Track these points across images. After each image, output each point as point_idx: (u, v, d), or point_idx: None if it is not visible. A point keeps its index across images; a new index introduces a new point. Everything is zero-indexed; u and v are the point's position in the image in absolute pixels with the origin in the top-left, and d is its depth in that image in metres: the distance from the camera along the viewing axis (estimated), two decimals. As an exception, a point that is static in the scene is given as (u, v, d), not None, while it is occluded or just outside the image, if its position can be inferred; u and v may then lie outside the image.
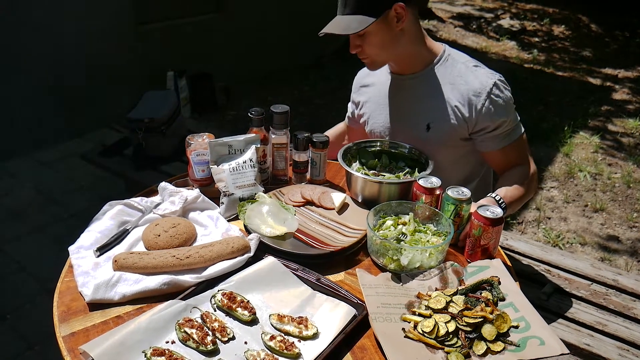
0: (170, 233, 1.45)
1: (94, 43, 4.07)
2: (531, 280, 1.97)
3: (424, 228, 1.49)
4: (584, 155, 4.35)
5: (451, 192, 1.49)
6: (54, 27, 3.84)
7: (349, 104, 2.07)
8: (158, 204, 1.62)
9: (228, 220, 1.58)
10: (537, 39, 7.63)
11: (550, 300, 1.87)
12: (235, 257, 1.37)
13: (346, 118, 2.13)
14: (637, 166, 4.23)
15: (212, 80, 4.93)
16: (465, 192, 1.49)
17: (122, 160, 2.97)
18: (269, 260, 1.36)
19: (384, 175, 1.66)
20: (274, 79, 5.54)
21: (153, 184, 1.72)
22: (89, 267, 1.35)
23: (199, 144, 1.65)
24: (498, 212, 1.41)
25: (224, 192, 1.60)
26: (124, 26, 4.33)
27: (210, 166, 1.63)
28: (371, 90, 1.93)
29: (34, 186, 3.56)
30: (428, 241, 1.43)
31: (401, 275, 1.35)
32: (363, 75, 2.00)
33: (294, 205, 1.61)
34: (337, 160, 1.69)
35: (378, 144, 1.79)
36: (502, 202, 1.60)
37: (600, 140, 4.58)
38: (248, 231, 1.49)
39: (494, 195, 1.63)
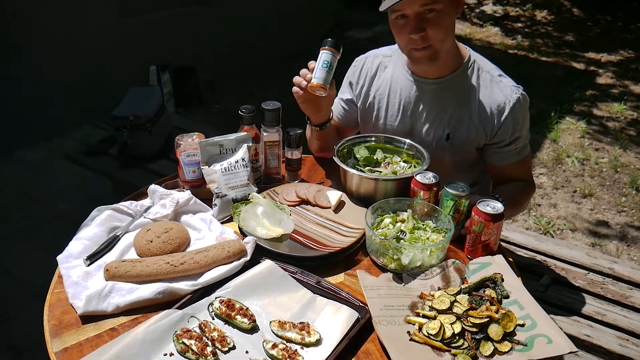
0: (163, 238, 1.40)
1: (74, 37, 3.96)
2: (528, 272, 1.96)
3: (423, 225, 1.46)
4: (571, 141, 4.36)
5: (450, 188, 1.46)
6: (34, 22, 3.72)
7: (343, 95, 1.91)
8: (148, 208, 1.57)
9: (222, 223, 1.53)
10: (520, 25, 7.63)
11: (548, 292, 1.86)
12: (232, 262, 1.33)
13: (335, 116, 1.93)
14: (624, 150, 4.25)
15: (196, 74, 4.84)
16: (464, 188, 1.46)
17: (108, 159, 2.89)
18: (267, 264, 1.33)
19: (380, 172, 1.63)
20: (259, 70, 5.45)
21: (140, 183, 1.67)
22: (79, 277, 1.30)
23: (189, 144, 1.60)
24: (498, 207, 1.38)
25: (216, 193, 1.55)
26: (104, 20, 4.22)
27: (202, 167, 1.58)
28: (388, 86, 1.79)
29: (16, 188, 3.46)
30: (428, 238, 1.41)
31: (402, 275, 1.33)
32: (373, 64, 1.82)
33: (289, 205, 1.57)
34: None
35: (373, 138, 1.76)
36: (500, 200, 1.58)
37: (586, 125, 4.60)
38: (243, 233, 1.45)
39: (494, 195, 1.61)
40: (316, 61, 1.55)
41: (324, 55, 1.54)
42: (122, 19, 4.36)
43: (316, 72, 1.54)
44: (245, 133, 1.63)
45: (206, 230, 1.49)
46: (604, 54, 6.49)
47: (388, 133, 1.79)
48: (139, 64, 4.41)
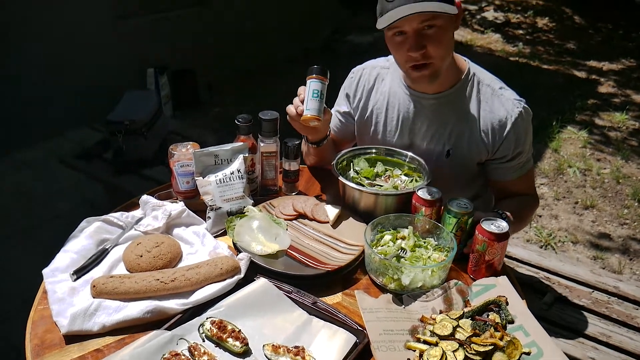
0: (154, 253, 1.34)
1: (72, 38, 3.90)
2: (531, 289, 1.91)
3: (425, 242, 1.41)
4: (573, 151, 4.32)
5: (452, 205, 1.41)
6: (32, 22, 3.67)
7: (340, 107, 1.85)
8: (140, 219, 1.51)
9: (215, 236, 1.48)
10: (521, 32, 7.60)
11: (552, 310, 1.81)
12: (225, 280, 1.27)
13: (332, 128, 1.85)
14: (626, 161, 4.21)
15: (195, 76, 4.79)
16: (467, 205, 1.41)
17: (103, 163, 2.83)
18: (261, 282, 1.27)
19: (381, 186, 1.57)
20: (259, 73, 5.40)
21: (134, 189, 1.62)
22: (65, 293, 1.24)
23: (183, 154, 1.55)
24: (503, 226, 1.33)
25: (210, 206, 1.50)
26: (102, 21, 4.16)
27: (196, 178, 1.53)
28: (385, 100, 1.72)
29: (16, 188, 3.40)
30: (429, 257, 1.35)
31: (403, 296, 1.27)
32: (370, 75, 1.75)
33: (285, 219, 1.52)
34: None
35: (373, 150, 1.70)
36: (505, 219, 1.53)
37: (588, 134, 4.55)
38: (237, 249, 1.39)
39: (498, 210, 1.56)
40: (305, 90, 1.49)
41: (313, 84, 1.48)
42: (121, 20, 4.31)
43: (307, 103, 1.48)
44: (241, 143, 1.57)
45: (199, 245, 1.43)
46: (605, 63, 6.46)
47: (387, 145, 1.73)
48: (137, 66, 4.36)
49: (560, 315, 1.79)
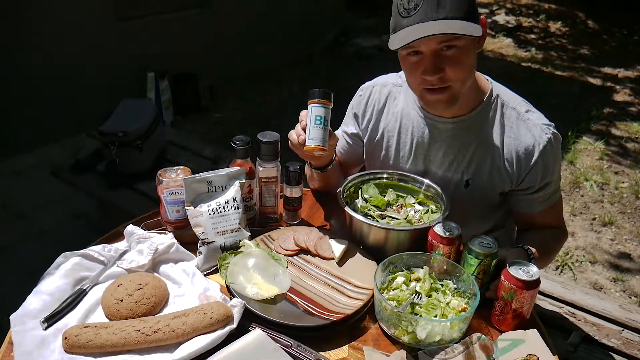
0: (136, 297, 1.19)
1: (70, 40, 3.77)
2: (554, 327, 1.74)
3: (442, 286, 1.24)
4: (589, 163, 4.14)
5: (474, 244, 1.24)
6: (27, 23, 3.53)
7: (347, 127, 1.67)
8: (124, 253, 1.36)
9: (208, 274, 1.32)
10: (533, 36, 7.41)
11: (578, 352, 1.64)
12: (215, 331, 1.11)
13: (338, 150, 1.68)
14: (645, 174, 4.03)
15: (196, 80, 4.64)
16: (491, 244, 1.25)
17: (95, 176, 2.69)
18: (256, 334, 1.11)
19: (392, 218, 1.41)
20: (261, 77, 5.25)
21: (127, 205, 1.47)
22: (33, 345, 1.09)
23: (172, 181, 1.39)
24: (534, 272, 1.16)
25: (202, 239, 1.34)
26: (102, 22, 4.03)
27: (186, 207, 1.37)
28: (397, 122, 1.55)
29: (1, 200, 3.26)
30: (448, 304, 1.19)
31: (418, 353, 1.11)
32: (381, 94, 1.58)
33: (285, 255, 1.36)
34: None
35: (385, 175, 1.54)
36: (532, 257, 1.37)
37: (604, 146, 4.37)
38: (230, 291, 1.23)
39: (523, 246, 1.39)
40: (307, 115, 1.33)
41: (315, 109, 1.31)
42: (120, 22, 4.17)
43: (310, 132, 1.31)
44: (237, 168, 1.42)
45: (188, 285, 1.27)
46: (620, 69, 6.26)
47: (400, 170, 1.57)
48: (137, 70, 4.22)
49: (588, 359, 1.63)
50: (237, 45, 5.08)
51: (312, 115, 1.31)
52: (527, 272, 1.16)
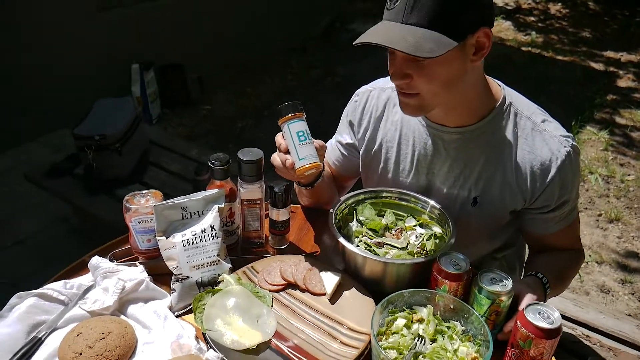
0: (97, 349, 1.03)
1: (49, 32, 3.55)
2: (567, 351, 1.60)
3: (449, 328, 1.09)
4: (594, 154, 3.98)
5: (485, 281, 1.09)
6: (6, 15, 3.32)
7: (341, 137, 1.51)
8: (88, 289, 1.20)
9: (183, 313, 1.17)
10: (533, 19, 7.18)
11: (595, 381, 1.51)
12: (187, 391, 0.96)
13: (332, 162, 1.55)
14: (651, 166, 3.88)
15: (184, 72, 4.44)
16: (505, 281, 1.10)
17: (72, 181, 2.51)
18: (235, 395, 0.96)
19: (391, 246, 1.25)
20: (252, 67, 5.04)
21: (106, 215, 1.32)
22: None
23: (142, 207, 1.22)
24: (555, 317, 1.01)
25: (175, 275, 1.18)
26: (83, 12, 3.81)
27: (157, 238, 1.21)
28: (397, 132, 1.40)
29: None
30: (456, 352, 1.04)
31: (423, 416, 0.96)
32: (379, 100, 1.43)
33: (271, 290, 1.20)
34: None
35: (384, 194, 1.37)
36: (547, 287, 1.22)
37: (609, 135, 4.21)
38: (206, 339, 1.08)
39: (538, 274, 1.24)
40: (286, 137, 1.19)
41: (293, 126, 1.18)
42: (102, 12, 3.95)
43: (296, 152, 1.17)
44: (215, 191, 1.25)
45: (159, 329, 1.12)
46: (623, 53, 6.07)
47: (400, 187, 1.41)
48: (120, 62, 4.01)
49: (605, 388, 1.49)
50: (227, 34, 4.86)
51: (292, 133, 1.17)
52: (547, 317, 1.01)
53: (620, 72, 5.57)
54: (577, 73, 5.51)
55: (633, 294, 2.77)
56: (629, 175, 3.77)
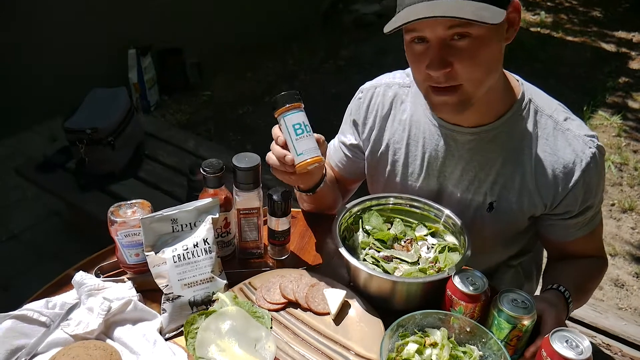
0: (79, 380, 0.94)
1: (39, 16, 3.42)
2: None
3: (464, 354, 1.00)
4: (606, 140, 3.85)
5: (506, 304, 0.99)
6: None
7: (345, 137, 1.40)
8: (71, 308, 1.11)
9: (173, 336, 1.08)
10: (542, -3, 6.98)
11: (616, 396, 1.42)
12: None
13: (335, 164, 1.45)
14: (665, 152, 3.75)
15: (183, 56, 4.30)
16: (527, 303, 1.00)
17: (65, 175, 2.41)
18: None
19: (400, 262, 1.14)
20: (252, 51, 4.89)
21: (100, 212, 1.21)
22: None
23: (128, 220, 1.12)
24: (584, 346, 0.91)
25: (166, 294, 1.08)
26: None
27: (146, 254, 1.11)
28: (406, 132, 1.28)
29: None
30: (473, 381, 0.95)
31: None
32: (385, 97, 1.30)
33: (270, 309, 1.11)
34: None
35: (391, 200, 1.27)
36: (570, 301, 1.13)
37: (622, 120, 4.07)
38: (200, 366, 0.98)
39: (560, 287, 1.14)
40: (283, 130, 1.09)
41: (290, 118, 1.07)
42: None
43: (295, 146, 1.07)
44: (209, 200, 1.15)
45: (148, 355, 1.02)
46: (635, 33, 5.88)
47: (409, 191, 1.30)
48: (116, 47, 3.87)
49: (627, 403, 1.40)
50: (226, 17, 4.70)
51: (289, 126, 1.07)
52: (575, 346, 0.91)
53: (633, 53, 5.39)
54: (588, 54, 5.34)
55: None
56: (642, 162, 3.64)
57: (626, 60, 5.24)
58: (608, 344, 1.55)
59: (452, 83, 1.05)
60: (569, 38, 5.73)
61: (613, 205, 3.25)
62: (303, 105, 1.10)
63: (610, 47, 5.53)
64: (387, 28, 1.03)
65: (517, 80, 1.21)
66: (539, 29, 5.90)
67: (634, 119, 4.14)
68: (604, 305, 1.70)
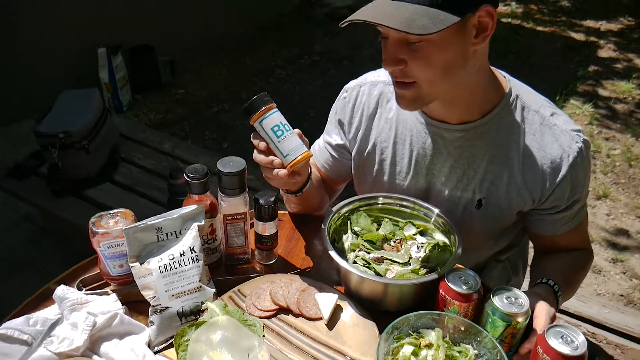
0: (66, 402, 0.90)
1: (8, 14, 3.30)
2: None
3: (460, 353, 0.99)
4: (579, 129, 3.92)
5: (499, 301, 0.99)
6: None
7: (330, 137, 1.38)
8: (53, 324, 1.06)
9: (162, 349, 1.04)
10: (511, -13, 7.05)
11: (604, 384, 1.44)
12: None
13: (321, 164, 1.42)
14: (636, 139, 3.83)
15: (155, 54, 4.21)
16: (521, 301, 1.00)
17: (37, 180, 2.34)
18: None
19: (391, 263, 1.13)
20: (226, 47, 4.82)
21: (75, 218, 1.18)
22: None
23: (110, 230, 1.08)
24: (579, 341, 0.92)
25: (153, 306, 1.05)
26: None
27: (131, 265, 1.07)
28: (393, 130, 1.27)
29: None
30: (470, 381, 0.94)
31: None
32: (370, 96, 1.29)
33: (261, 317, 1.08)
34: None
35: (380, 200, 1.25)
36: (559, 294, 1.14)
37: (593, 109, 4.15)
38: (193, 379, 0.96)
39: (548, 281, 1.15)
40: (264, 134, 1.07)
41: (267, 122, 1.06)
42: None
43: (280, 150, 1.06)
44: (194, 207, 1.11)
45: (137, 370, 0.99)
46: (602, 22, 5.99)
47: (397, 190, 1.29)
48: (86, 45, 3.77)
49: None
50: (197, 12, 4.62)
51: (267, 130, 1.06)
52: (570, 341, 0.91)
53: (601, 42, 5.50)
54: (558, 44, 5.42)
55: (624, 273, 2.73)
56: (614, 149, 3.72)
57: (595, 49, 5.34)
58: (593, 333, 1.58)
59: (406, 79, 1.07)
60: (540, 28, 5.81)
61: (588, 192, 3.31)
62: (275, 105, 1.08)
63: (579, 37, 5.63)
64: (342, 22, 1.03)
65: (504, 77, 1.21)
66: (509, 20, 5.97)
67: (605, 107, 4.22)
68: (586, 294, 1.73)
